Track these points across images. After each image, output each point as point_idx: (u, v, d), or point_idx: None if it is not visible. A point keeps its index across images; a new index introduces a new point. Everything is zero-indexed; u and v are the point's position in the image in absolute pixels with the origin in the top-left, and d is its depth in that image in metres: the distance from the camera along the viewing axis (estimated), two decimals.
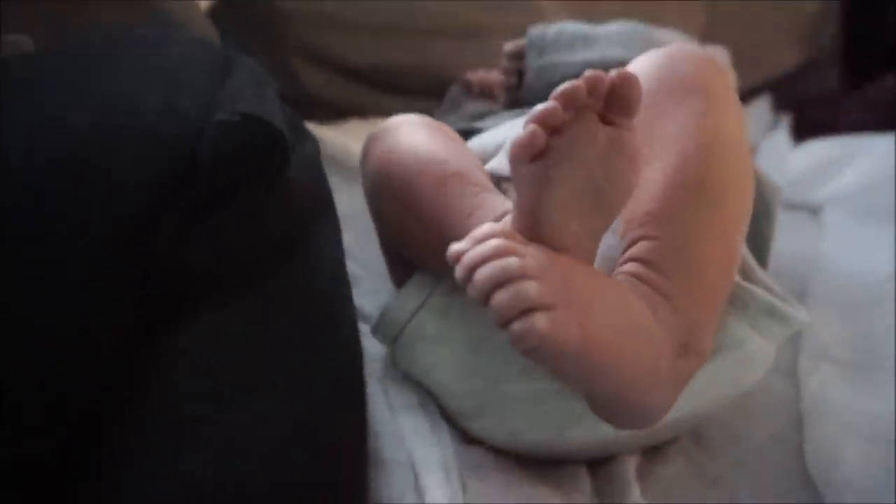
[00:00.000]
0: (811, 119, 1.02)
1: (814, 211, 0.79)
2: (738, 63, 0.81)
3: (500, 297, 0.33)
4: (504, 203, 0.43)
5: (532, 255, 0.34)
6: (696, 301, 0.39)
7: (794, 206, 0.78)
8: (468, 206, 0.44)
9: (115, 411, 0.33)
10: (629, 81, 0.36)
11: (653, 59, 0.46)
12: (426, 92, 0.87)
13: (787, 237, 0.66)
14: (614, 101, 0.36)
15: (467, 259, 0.34)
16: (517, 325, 0.33)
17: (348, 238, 0.65)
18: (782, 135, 0.95)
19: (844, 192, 0.79)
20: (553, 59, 0.69)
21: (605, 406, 0.40)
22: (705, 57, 0.46)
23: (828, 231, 0.75)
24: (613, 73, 0.36)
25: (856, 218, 0.74)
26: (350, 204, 0.65)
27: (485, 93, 0.78)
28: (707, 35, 0.94)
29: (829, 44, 1.08)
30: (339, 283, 0.44)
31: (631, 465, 0.49)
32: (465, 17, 0.93)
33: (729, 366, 0.46)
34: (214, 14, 0.87)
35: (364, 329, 0.54)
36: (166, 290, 0.34)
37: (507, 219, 0.39)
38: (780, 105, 1.03)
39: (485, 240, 0.34)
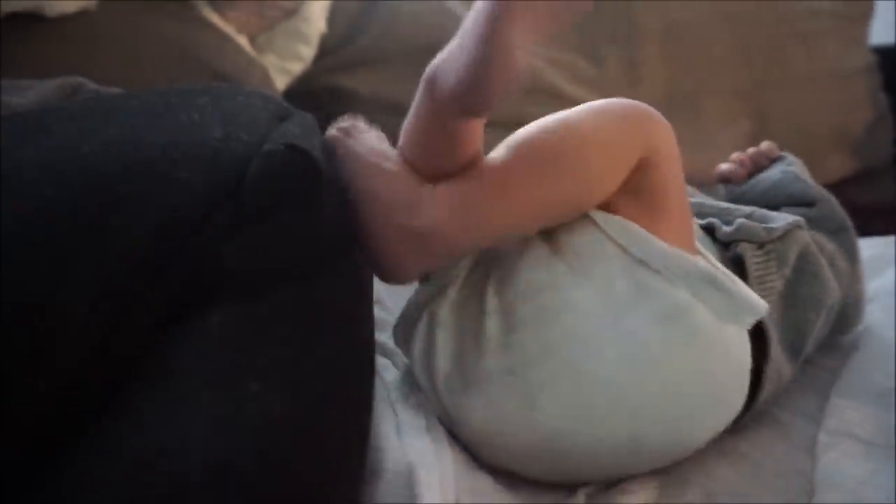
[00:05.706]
0: (871, 230, 1.03)
1: None
2: None
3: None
4: None
5: None
6: None
7: None
8: None
9: (132, 380, 0.38)
10: None
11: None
12: None
13: None
14: None
15: None
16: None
17: (381, 291, 0.70)
18: None
19: (886, 289, 0.78)
20: None
21: (379, 241, 0.48)
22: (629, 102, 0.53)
23: (870, 325, 0.74)
24: None
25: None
26: None
27: None
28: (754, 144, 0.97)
29: (883, 155, 1.10)
30: (359, 307, 0.48)
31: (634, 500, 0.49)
32: (510, 109, 1.01)
33: (681, 339, 0.48)
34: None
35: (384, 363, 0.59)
36: (200, 281, 0.40)
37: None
38: None
39: None
